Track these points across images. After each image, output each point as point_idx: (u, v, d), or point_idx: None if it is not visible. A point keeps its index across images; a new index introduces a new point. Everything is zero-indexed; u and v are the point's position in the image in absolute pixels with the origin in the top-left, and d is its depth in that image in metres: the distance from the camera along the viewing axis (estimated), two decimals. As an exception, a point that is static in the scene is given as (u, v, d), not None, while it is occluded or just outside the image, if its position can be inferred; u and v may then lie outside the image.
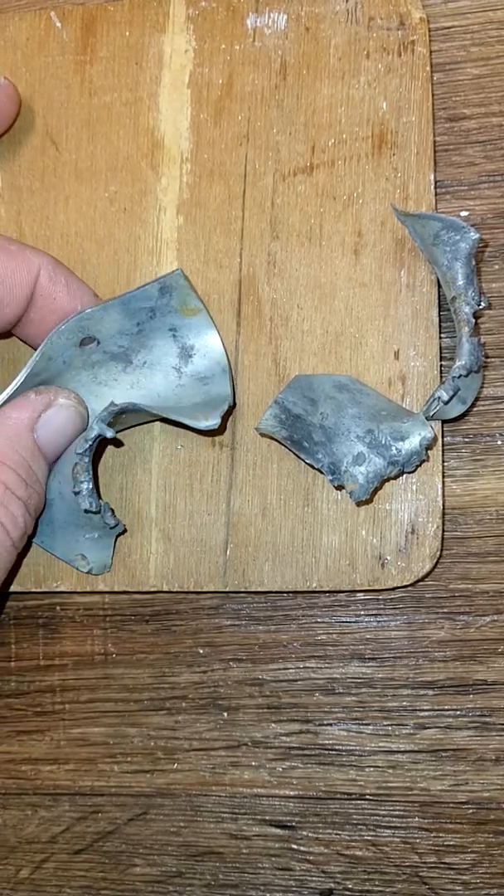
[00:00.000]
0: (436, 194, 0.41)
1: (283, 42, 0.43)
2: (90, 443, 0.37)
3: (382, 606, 0.41)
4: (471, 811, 0.40)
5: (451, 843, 0.40)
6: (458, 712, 0.40)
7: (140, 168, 0.44)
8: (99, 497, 0.40)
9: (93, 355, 0.40)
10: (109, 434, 0.37)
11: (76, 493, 0.38)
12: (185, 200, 0.43)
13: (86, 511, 0.38)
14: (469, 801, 0.40)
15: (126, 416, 0.40)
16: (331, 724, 0.41)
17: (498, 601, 0.40)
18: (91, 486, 0.38)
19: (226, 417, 0.40)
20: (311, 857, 0.41)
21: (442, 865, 0.40)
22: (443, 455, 0.40)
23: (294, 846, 0.41)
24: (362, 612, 0.41)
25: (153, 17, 0.44)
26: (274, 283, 0.42)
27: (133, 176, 0.44)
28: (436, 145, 0.42)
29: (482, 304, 0.37)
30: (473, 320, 0.37)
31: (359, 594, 0.41)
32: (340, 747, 0.41)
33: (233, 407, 0.41)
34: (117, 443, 0.42)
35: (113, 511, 0.40)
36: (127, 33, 0.44)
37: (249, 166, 0.43)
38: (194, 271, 0.42)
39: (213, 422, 0.38)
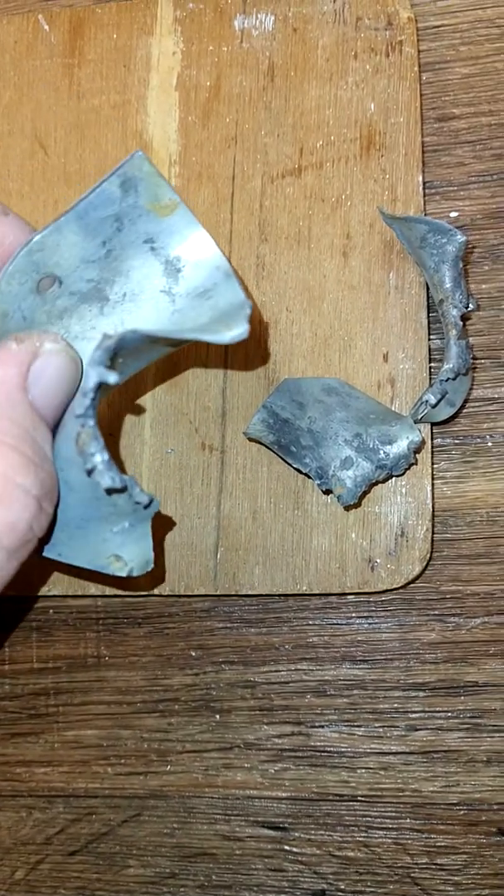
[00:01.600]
0: (424, 195, 0.41)
1: (270, 43, 0.43)
2: (91, 398, 0.29)
3: (373, 609, 0.41)
4: (462, 812, 0.40)
5: (443, 843, 0.40)
6: (450, 714, 0.40)
7: (129, 171, 0.43)
8: (122, 470, 0.32)
9: (58, 301, 0.32)
10: (112, 379, 0.29)
11: (90, 472, 0.29)
12: (174, 203, 0.43)
13: (107, 492, 0.30)
14: (460, 803, 0.40)
15: (126, 355, 0.31)
16: (322, 726, 0.41)
17: (488, 603, 0.40)
18: (108, 457, 0.29)
19: (252, 322, 0.31)
20: (304, 859, 0.41)
21: (434, 866, 0.40)
22: (432, 458, 0.40)
23: (286, 847, 0.41)
24: (353, 615, 0.41)
25: (141, 19, 0.44)
26: (263, 286, 0.42)
27: (122, 179, 0.43)
28: (424, 146, 0.41)
29: (470, 306, 0.37)
30: (461, 323, 0.37)
31: (350, 596, 0.41)
32: (332, 749, 0.41)
33: (251, 308, 0.32)
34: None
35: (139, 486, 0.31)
36: (115, 36, 0.44)
37: (238, 169, 0.43)
38: (185, 273, 0.42)
39: (239, 331, 0.30)
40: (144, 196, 0.32)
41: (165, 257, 0.33)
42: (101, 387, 0.29)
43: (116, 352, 0.29)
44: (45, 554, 0.33)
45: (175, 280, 0.33)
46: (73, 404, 0.30)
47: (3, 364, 0.30)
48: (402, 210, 0.41)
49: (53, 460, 0.30)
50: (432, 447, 0.40)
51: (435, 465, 0.40)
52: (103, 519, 0.32)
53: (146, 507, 0.31)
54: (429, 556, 0.39)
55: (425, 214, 0.41)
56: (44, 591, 0.42)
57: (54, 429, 0.31)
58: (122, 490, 0.30)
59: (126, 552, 0.32)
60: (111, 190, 0.32)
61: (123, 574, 0.32)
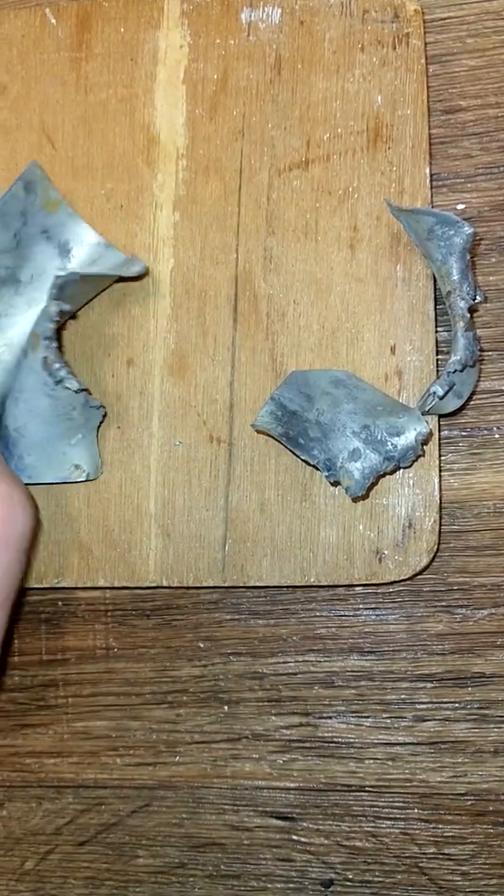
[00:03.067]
0: (432, 187, 0.41)
1: (277, 36, 0.43)
2: (54, 321, 0.38)
3: (381, 600, 0.41)
4: (469, 802, 0.40)
5: (450, 834, 0.40)
6: (457, 705, 0.40)
7: (136, 165, 0.44)
8: None
9: None
10: (66, 307, 0.39)
11: (58, 382, 0.38)
12: (181, 197, 0.43)
13: (77, 392, 0.38)
14: (468, 793, 0.40)
15: (72, 290, 0.40)
16: (330, 717, 0.41)
17: (496, 594, 0.40)
18: (69, 368, 0.39)
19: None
20: (312, 849, 0.41)
21: (441, 856, 0.40)
22: (439, 449, 0.40)
23: (295, 837, 0.41)
24: (361, 606, 0.41)
25: (148, 12, 0.44)
26: (270, 279, 0.42)
27: (129, 173, 0.44)
28: (431, 138, 0.41)
29: (477, 298, 0.37)
30: (469, 315, 0.37)
31: (357, 588, 0.41)
32: (340, 740, 0.41)
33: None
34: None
35: None
36: (122, 29, 0.44)
37: (245, 162, 0.43)
38: (191, 268, 0.42)
39: (138, 266, 0.41)
40: (40, 196, 0.41)
41: (58, 242, 0.42)
42: (60, 313, 0.38)
43: (63, 287, 0.39)
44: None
45: (68, 259, 0.42)
46: (40, 330, 0.39)
47: None
48: (410, 202, 0.41)
49: (14, 401, 0.39)
50: (440, 439, 0.40)
51: (442, 457, 0.40)
52: (62, 435, 0.40)
53: (97, 408, 0.40)
54: (436, 547, 0.40)
55: (432, 206, 0.41)
56: (53, 582, 0.42)
57: None
58: (85, 390, 0.39)
59: (83, 460, 0.41)
60: (18, 191, 0.40)
61: (82, 479, 0.41)
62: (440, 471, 0.40)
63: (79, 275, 0.39)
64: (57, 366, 0.38)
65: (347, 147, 0.42)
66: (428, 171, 0.41)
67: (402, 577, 0.40)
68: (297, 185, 0.42)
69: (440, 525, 0.40)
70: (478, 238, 0.41)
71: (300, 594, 0.42)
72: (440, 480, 0.40)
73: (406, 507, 0.40)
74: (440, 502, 0.40)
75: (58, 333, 0.39)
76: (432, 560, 0.40)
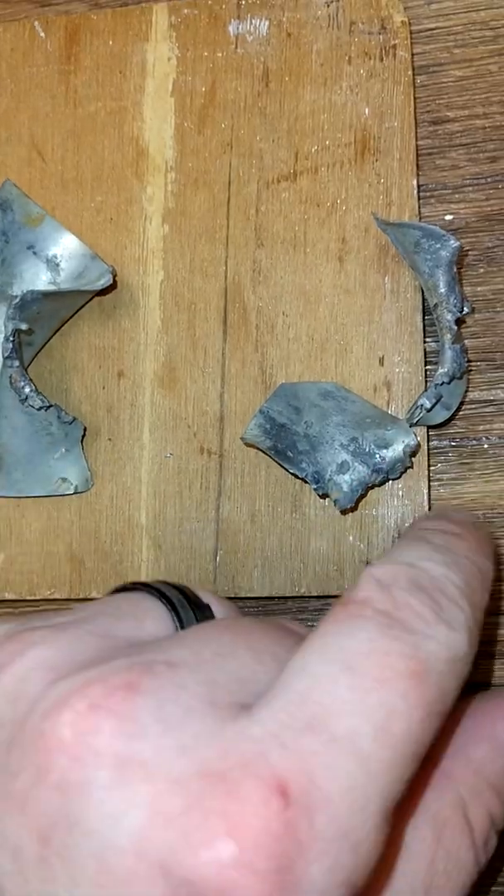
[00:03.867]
0: (419, 198, 0.41)
1: (265, 48, 0.43)
2: (11, 341, 0.38)
3: (372, 610, 0.41)
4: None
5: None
6: (448, 714, 0.40)
7: (125, 177, 0.44)
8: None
9: None
10: (23, 326, 0.39)
11: (23, 401, 0.39)
12: (170, 209, 0.43)
13: (38, 409, 0.39)
14: (459, 801, 0.40)
15: (39, 308, 0.40)
16: (322, 727, 0.41)
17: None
18: (34, 386, 0.39)
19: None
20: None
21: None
22: (429, 460, 0.40)
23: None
24: (352, 616, 0.41)
25: (136, 25, 0.44)
26: (259, 291, 0.42)
27: (118, 185, 0.44)
28: (419, 149, 0.42)
29: (465, 310, 0.38)
30: (456, 327, 0.37)
31: (348, 598, 0.41)
32: (332, 749, 0.41)
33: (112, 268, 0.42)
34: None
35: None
36: (110, 42, 0.44)
37: (233, 174, 0.43)
38: (180, 280, 0.43)
39: (104, 279, 0.41)
40: (19, 213, 0.41)
41: (45, 257, 0.42)
42: (16, 332, 0.38)
43: (23, 307, 0.39)
44: (2, 494, 0.41)
45: (57, 273, 0.42)
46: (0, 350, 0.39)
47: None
48: (398, 214, 0.41)
49: (1, 413, 0.39)
50: (429, 450, 0.40)
51: (432, 468, 0.41)
52: (45, 450, 0.41)
53: (70, 423, 0.40)
54: (426, 557, 0.40)
55: (420, 218, 0.41)
56: (46, 594, 0.42)
57: None
58: (50, 406, 0.39)
59: (69, 474, 0.41)
60: None
61: (71, 491, 0.41)
62: (429, 481, 0.40)
63: (40, 293, 0.40)
64: (21, 384, 0.39)
65: (335, 159, 0.42)
66: (415, 182, 0.41)
67: (393, 588, 0.40)
68: (285, 197, 0.42)
69: (430, 535, 0.40)
70: (466, 249, 0.41)
71: (291, 604, 0.42)
72: (429, 490, 0.40)
73: (396, 518, 0.40)
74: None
75: (17, 352, 0.39)
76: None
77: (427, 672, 0.24)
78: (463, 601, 0.26)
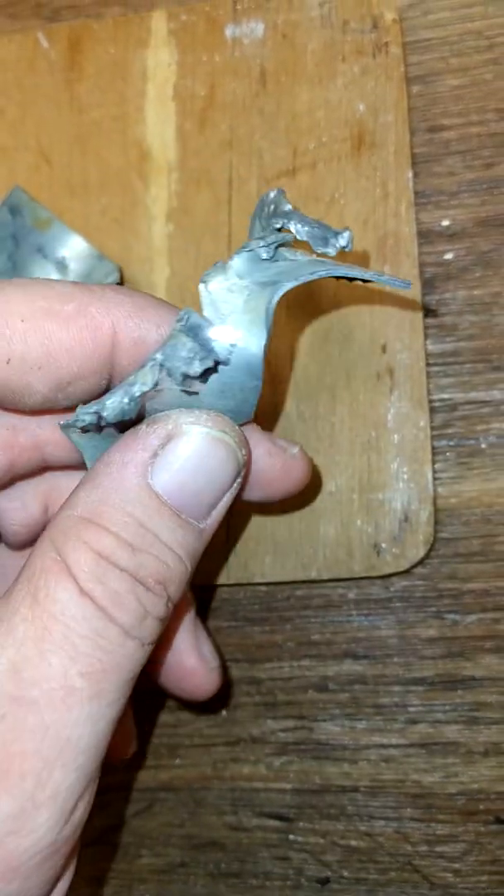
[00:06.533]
0: (415, 201, 0.42)
1: (261, 50, 0.44)
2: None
3: (373, 606, 0.42)
4: (461, 802, 0.41)
5: (443, 832, 0.41)
6: (448, 707, 0.41)
7: (130, 179, 0.45)
8: None
9: None
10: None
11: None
12: (173, 209, 0.44)
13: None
14: (459, 793, 0.41)
15: None
16: (325, 720, 0.42)
17: (484, 600, 0.41)
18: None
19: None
20: (308, 848, 0.42)
21: (434, 854, 0.41)
22: (431, 444, 0.41)
23: (292, 837, 0.42)
24: (354, 612, 0.42)
25: (136, 32, 0.45)
26: (261, 291, 0.43)
27: (123, 188, 0.45)
28: (416, 156, 0.42)
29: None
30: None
31: (351, 595, 0.42)
32: (335, 742, 0.42)
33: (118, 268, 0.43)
34: None
35: None
36: (112, 50, 0.45)
37: (234, 172, 0.44)
38: (186, 277, 0.44)
39: (114, 276, 0.42)
40: (28, 218, 0.42)
41: (54, 260, 0.43)
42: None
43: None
44: None
45: (66, 274, 0.43)
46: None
47: (126, 449, 0.28)
48: (394, 204, 0.42)
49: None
50: (432, 438, 0.41)
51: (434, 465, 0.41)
52: None
53: None
54: (432, 538, 0.41)
55: (417, 221, 0.42)
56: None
57: (203, 516, 0.29)
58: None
59: None
60: (4, 217, 0.42)
61: None
62: (433, 464, 0.41)
63: None
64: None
65: (332, 154, 0.43)
66: (410, 174, 0.42)
67: (400, 570, 0.41)
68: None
69: (435, 517, 0.41)
70: (463, 253, 0.42)
71: (294, 601, 0.43)
72: (433, 474, 0.41)
73: (401, 502, 0.41)
74: (434, 495, 0.41)
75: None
76: (429, 551, 0.41)
77: None
78: None
